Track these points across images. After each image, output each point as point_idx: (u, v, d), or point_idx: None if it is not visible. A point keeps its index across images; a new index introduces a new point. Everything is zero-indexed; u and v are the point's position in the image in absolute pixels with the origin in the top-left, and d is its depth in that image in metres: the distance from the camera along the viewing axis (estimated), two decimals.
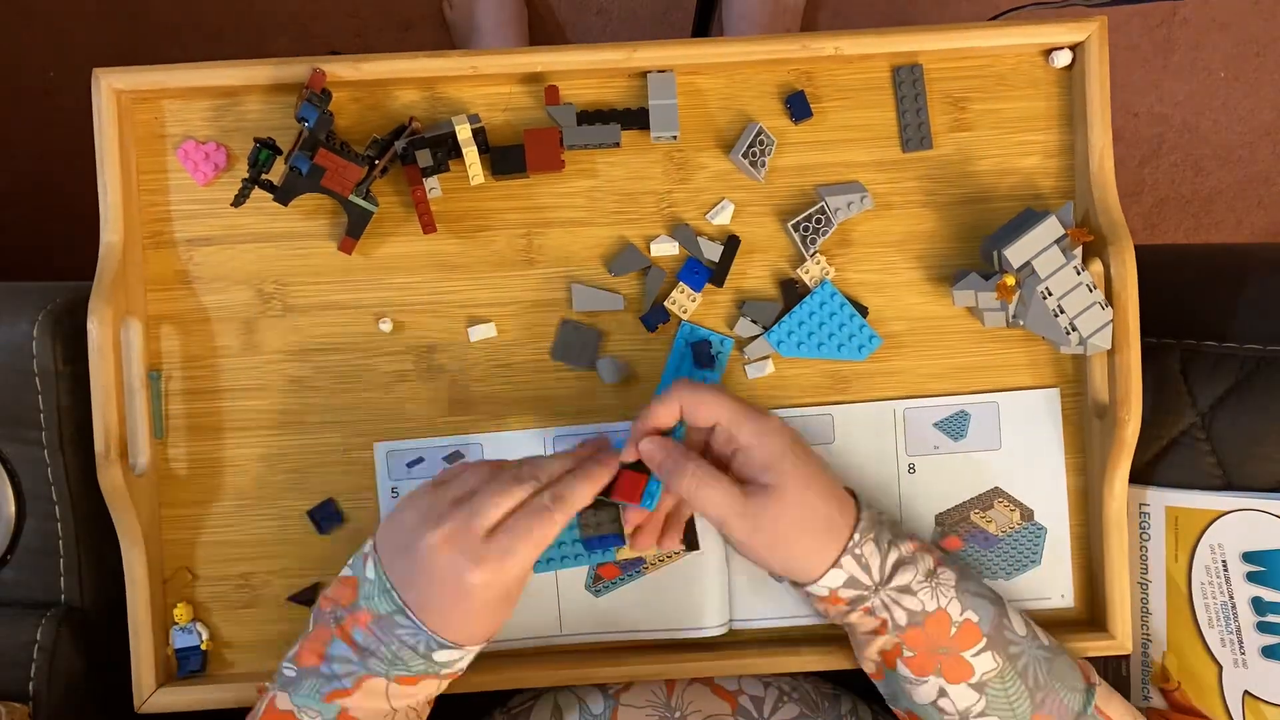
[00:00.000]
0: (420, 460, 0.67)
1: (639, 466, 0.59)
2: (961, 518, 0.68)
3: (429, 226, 0.65)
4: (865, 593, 0.57)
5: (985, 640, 0.57)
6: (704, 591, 0.66)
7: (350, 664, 0.55)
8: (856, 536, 0.56)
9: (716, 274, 0.66)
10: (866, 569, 0.56)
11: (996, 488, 0.68)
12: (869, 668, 0.61)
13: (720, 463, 0.59)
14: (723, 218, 0.66)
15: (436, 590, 0.54)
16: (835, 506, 0.57)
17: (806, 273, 0.66)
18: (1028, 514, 0.68)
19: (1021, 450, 0.67)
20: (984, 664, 0.57)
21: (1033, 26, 0.65)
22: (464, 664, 0.57)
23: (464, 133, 0.63)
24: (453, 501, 0.55)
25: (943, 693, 0.57)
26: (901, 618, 0.57)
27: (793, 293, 0.67)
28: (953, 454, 0.67)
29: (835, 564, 0.56)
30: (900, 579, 0.56)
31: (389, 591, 0.55)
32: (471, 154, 0.64)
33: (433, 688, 0.57)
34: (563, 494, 0.56)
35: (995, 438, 0.67)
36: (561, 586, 0.67)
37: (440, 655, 0.55)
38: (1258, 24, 1.34)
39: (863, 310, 0.67)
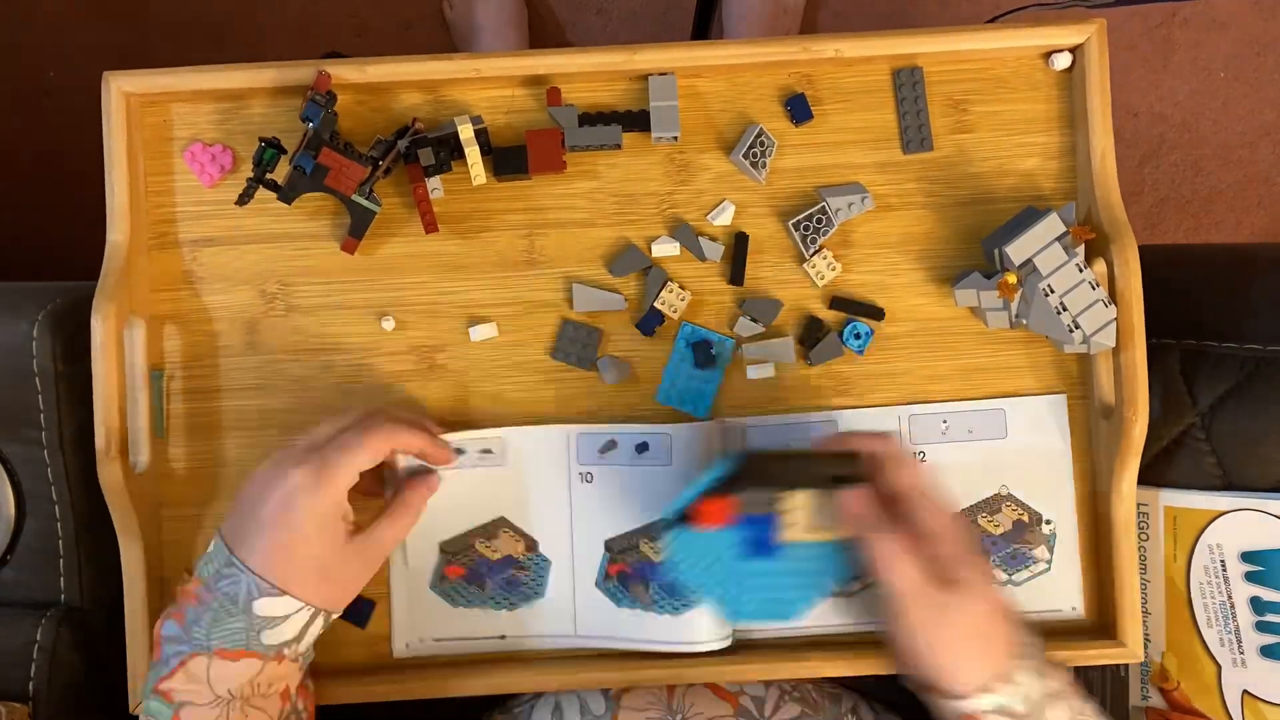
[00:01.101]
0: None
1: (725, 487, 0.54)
2: (969, 522, 0.68)
3: (431, 226, 0.65)
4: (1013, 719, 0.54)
5: None
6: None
7: (176, 643, 0.54)
8: (1014, 661, 0.53)
9: (734, 272, 0.66)
10: (1025, 699, 0.53)
11: (1003, 493, 0.67)
12: None
13: None
14: (723, 218, 0.66)
15: (256, 520, 0.55)
16: (1006, 625, 0.54)
17: (813, 268, 0.66)
18: (1036, 518, 0.67)
19: (1029, 455, 0.67)
20: None
21: (1032, 29, 0.65)
22: (291, 632, 0.55)
23: (466, 133, 0.63)
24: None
25: None
26: None
27: (817, 327, 0.67)
28: (959, 458, 0.67)
29: (987, 688, 0.53)
30: (1050, 713, 0.54)
31: (220, 548, 0.55)
32: (474, 154, 0.64)
33: (254, 669, 0.54)
34: (392, 423, 0.58)
35: (1002, 442, 0.67)
36: (577, 588, 0.67)
37: (260, 606, 0.53)
38: (1258, 24, 1.34)
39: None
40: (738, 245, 0.66)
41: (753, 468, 0.53)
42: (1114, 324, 0.62)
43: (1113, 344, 0.62)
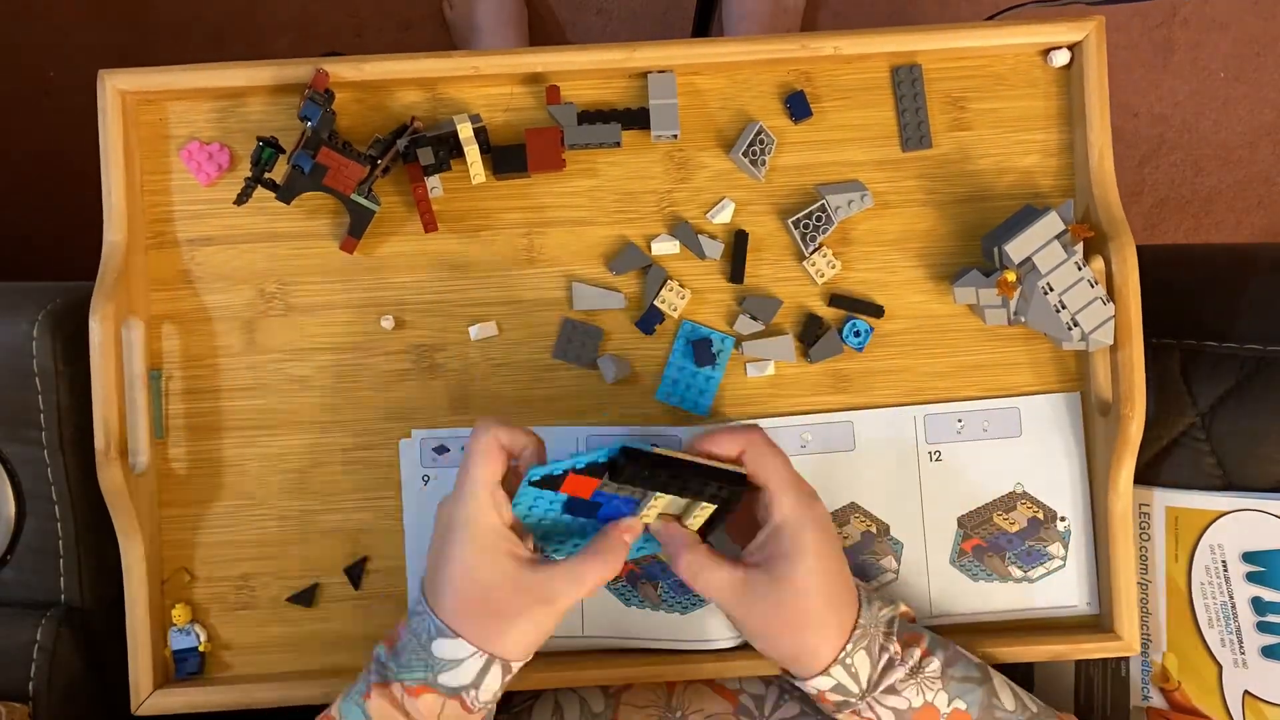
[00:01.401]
0: (445, 450, 0.67)
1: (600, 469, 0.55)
2: (984, 519, 0.68)
3: (430, 225, 0.65)
4: (852, 699, 0.56)
5: None
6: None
7: (380, 667, 0.55)
8: (849, 646, 0.55)
9: (733, 270, 0.66)
10: (855, 678, 0.55)
11: (1018, 490, 0.68)
12: None
13: (751, 524, 0.57)
14: (723, 216, 0.66)
15: (436, 552, 0.55)
16: (835, 615, 0.55)
17: (813, 266, 0.66)
18: (1051, 515, 0.68)
19: (1043, 452, 0.67)
20: None
21: (1031, 26, 0.65)
22: (468, 674, 0.53)
23: (465, 131, 0.63)
24: None
25: None
26: (888, 716, 0.56)
27: (816, 325, 0.67)
28: (974, 457, 0.67)
29: (824, 671, 0.55)
30: (885, 680, 0.56)
31: (420, 585, 0.56)
32: (473, 153, 0.64)
33: (437, 706, 0.53)
34: (490, 421, 0.55)
35: (1017, 440, 0.67)
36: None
37: (438, 647, 0.53)
38: (1258, 24, 1.34)
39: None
40: (737, 243, 0.66)
41: (627, 468, 0.53)
42: (1112, 321, 0.62)
43: (1111, 341, 0.62)
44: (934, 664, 0.57)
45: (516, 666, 0.55)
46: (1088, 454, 0.67)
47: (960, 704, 0.57)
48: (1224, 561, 0.66)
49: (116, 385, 0.62)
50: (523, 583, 0.53)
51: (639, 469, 0.53)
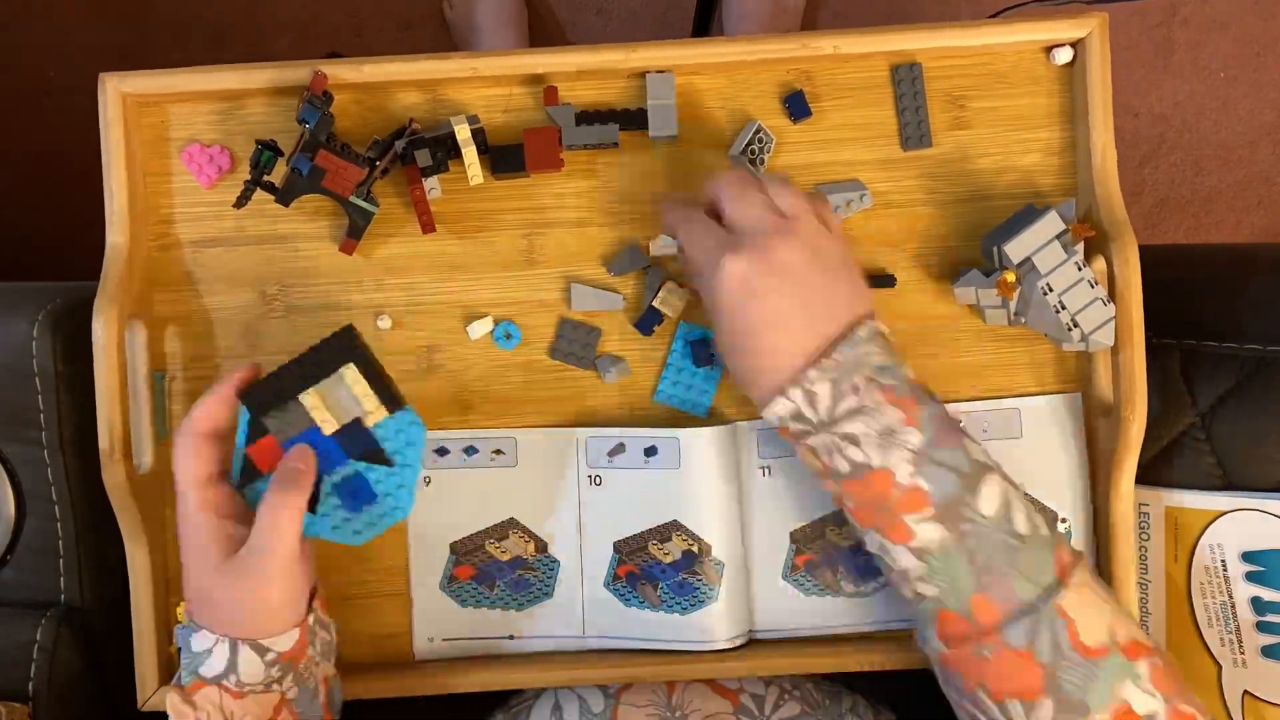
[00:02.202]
0: (445, 451, 0.67)
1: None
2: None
3: (428, 226, 0.65)
4: (809, 429, 0.55)
5: (932, 510, 0.53)
6: (728, 603, 0.65)
7: (183, 669, 0.57)
8: (813, 372, 0.54)
9: None
10: (814, 406, 0.54)
11: (1019, 488, 0.67)
12: (834, 499, 0.59)
13: None
14: None
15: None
16: (787, 339, 0.55)
17: None
18: (1051, 516, 0.67)
19: (1043, 453, 0.67)
20: (926, 532, 0.54)
21: (1032, 24, 0.65)
22: (220, 664, 0.54)
23: (463, 133, 0.63)
24: None
25: (884, 549, 0.56)
26: (843, 466, 0.55)
27: None
28: None
29: (781, 392, 0.54)
30: (847, 426, 0.54)
31: None
32: (470, 154, 0.64)
33: (215, 697, 0.54)
34: (185, 423, 0.56)
35: (1017, 441, 0.67)
36: (585, 589, 0.67)
37: (194, 643, 0.55)
38: (1258, 24, 1.34)
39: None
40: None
41: (255, 400, 0.56)
42: (1112, 322, 0.61)
43: (1111, 342, 0.62)
44: (914, 438, 0.54)
45: (270, 641, 0.54)
46: (1088, 455, 0.67)
47: (924, 484, 0.54)
48: (1223, 561, 0.66)
49: (120, 387, 0.62)
50: (226, 569, 0.53)
51: (259, 392, 0.56)
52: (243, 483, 0.57)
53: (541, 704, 0.66)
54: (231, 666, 0.54)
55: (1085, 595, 0.53)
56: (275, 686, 0.55)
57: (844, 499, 0.57)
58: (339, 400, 0.57)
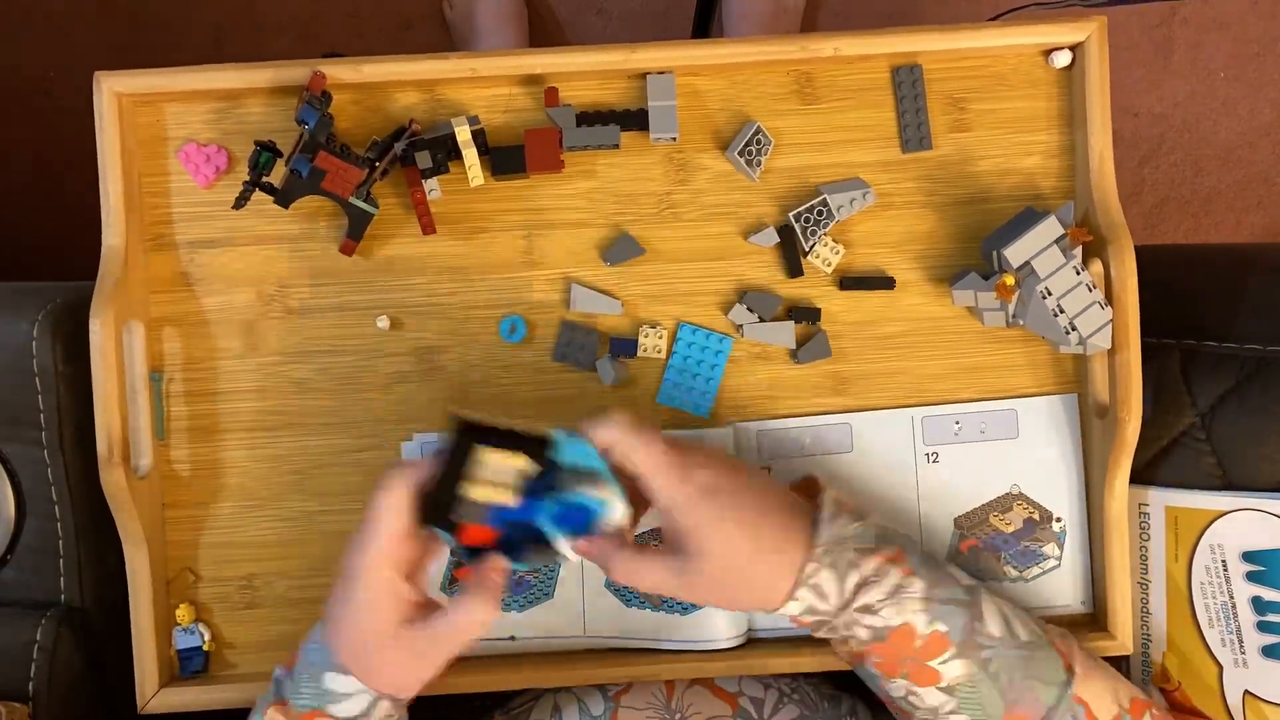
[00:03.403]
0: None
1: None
2: (980, 520, 0.68)
3: (428, 228, 0.65)
4: (826, 617, 0.56)
5: (955, 648, 0.56)
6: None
7: (278, 686, 0.56)
8: (810, 567, 0.55)
9: (789, 265, 0.66)
10: (823, 597, 0.55)
11: (1014, 491, 0.68)
12: (843, 659, 0.60)
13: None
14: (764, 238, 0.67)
15: (335, 594, 0.55)
16: (775, 546, 0.55)
17: (817, 256, 0.66)
18: (1046, 516, 0.68)
19: (1040, 453, 0.68)
20: (953, 670, 0.56)
21: (1032, 27, 0.65)
22: (355, 709, 0.54)
23: (463, 134, 0.63)
24: None
25: (912, 692, 0.57)
26: (865, 634, 0.56)
27: (806, 315, 0.67)
28: (971, 458, 0.68)
29: (790, 597, 0.55)
30: (862, 599, 0.55)
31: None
32: (471, 155, 0.64)
33: None
34: (392, 477, 0.54)
35: (1014, 442, 0.68)
36: (586, 589, 0.67)
37: (329, 681, 0.54)
38: (1258, 24, 1.34)
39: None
40: (785, 239, 0.66)
41: (432, 515, 0.54)
42: (1110, 326, 0.62)
43: (1108, 345, 0.62)
44: (916, 585, 0.56)
45: (406, 699, 0.56)
46: (1084, 456, 0.67)
47: (941, 626, 0.56)
48: (1224, 561, 0.66)
49: (118, 389, 0.62)
50: (404, 639, 0.54)
51: (430, 508, 0.53)
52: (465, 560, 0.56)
53: (541, 706, 0.66)
54: (366, 714, 0.55)
55: (1089, 673, 0.58)
56: None
57: (866, 660, 0.58)
58: (497, 478, 0.55)
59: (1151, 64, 1.34)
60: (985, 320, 0.66)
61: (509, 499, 0.55)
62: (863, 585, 0.55)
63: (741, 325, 0.67)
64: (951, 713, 0.57)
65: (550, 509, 0.55)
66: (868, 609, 0.55)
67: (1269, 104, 1.35)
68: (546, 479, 0.55)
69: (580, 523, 0.55)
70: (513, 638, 0.67)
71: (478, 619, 0.53)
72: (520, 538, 0.55)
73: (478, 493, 0.54)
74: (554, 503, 0.55)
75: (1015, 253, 0.61)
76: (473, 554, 0.55)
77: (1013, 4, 0.72)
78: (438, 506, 0.54)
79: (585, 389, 0.67)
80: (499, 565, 0.55)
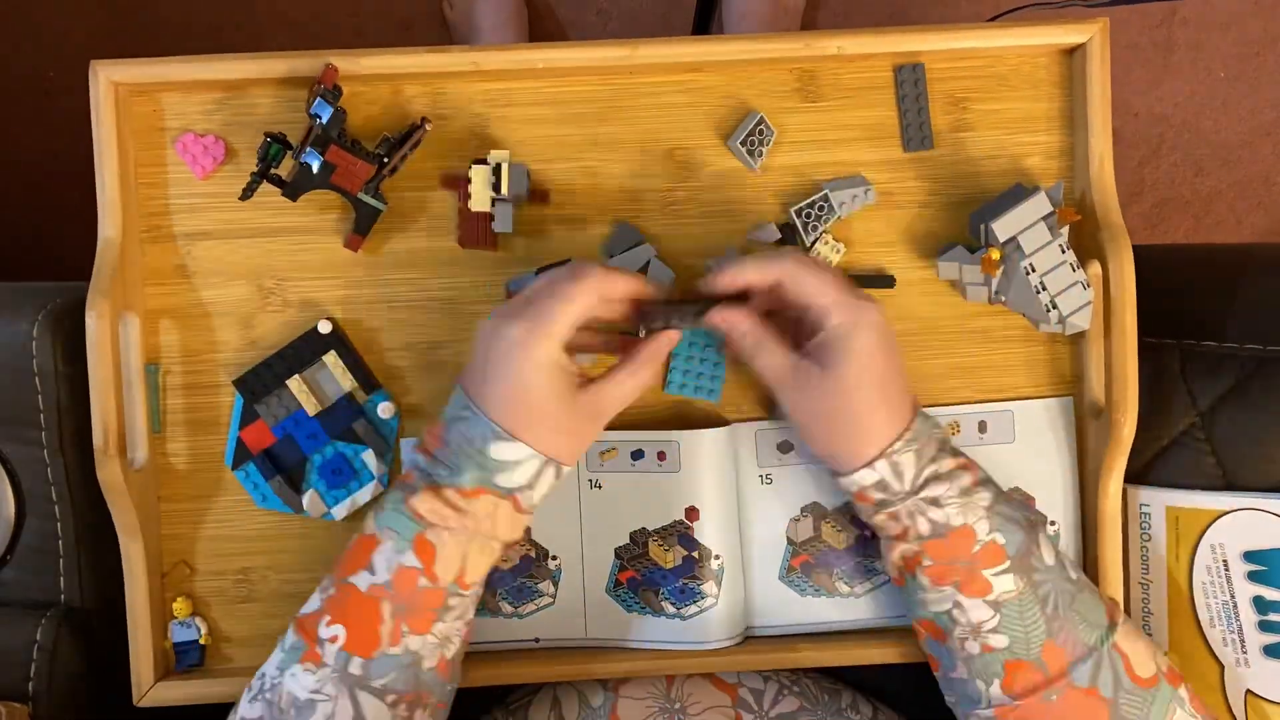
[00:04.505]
0: None
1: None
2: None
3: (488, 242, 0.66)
4: (893, 498, 0.57)
5: (1009, 563, 0.56)
6: (727, 605, 0.65)
7: (424, 474, 0.56)
8: (899, 444, 0.56)
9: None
10: (899, 475, 0.56)
11: (1012, 491, 0.68)
12: (891, 573, 0.61)
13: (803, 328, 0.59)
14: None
15: (487, 369, 0.55)
16: (886, 410, 0.57)
17: (818, 254, 0.66)
18: (1041, 520, 0.67)
19: (1035, 457, 0.67)
20: (1003, 584, 0.56)
21: (1034, 27, 0.65)
22: (525, 475, 0.56)
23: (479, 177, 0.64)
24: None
25: (957, 604, 0.57)
26: (925, 527, 0.57)
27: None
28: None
29: (869, 464, 0.56)
30: (931, 491, 0.56)
31: (460, 394, 0.57)
32: (481, 192, 0.64)
33: (492, 506, 0.55)
34: (593, 266, 0.57)
35: (1010, 445, 0.67)
36: (587, 595, 0.67)
37: (495, 449, 0.55)
38: (1258, 24, 1.34)
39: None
40: (785, 232, 0.66)
41: (247, 387, 0.64)
42: (1090, 306, 0.62)
43: (1087, 326, 0.62)
44: (984, 495, 0.57)
45: (566, 471, 0.58)
46: (1080, 457, 0.67)
47: (999, 537, 0.57)
48: (1225, 561, 0.66)
49: (114, 381, 0.62)
50: (577, 404, 0.56)
51: (251, 381, 0.65)
52: (235, 464, 0.63)
53: (541, 699, 0.66)
54: (533, 483, 0.56)
55: (1131, 630, 0.58)
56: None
57: (921, 557, 0.58)
58: (321, 384, 0.63)
59: (1151, 64, 1.34)
60: (968, 295, 0.65)
61: (311, 409, 0.65)
62: (936, 478, 0.57)
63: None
64: (992, 630, 0.57)
65: (329, 445, 0.65)
66: (935, 501, 0.56)
67: (1269, 104, 1.35)
68: (342, 419, 0.66)
69: (342, 474, 0.65)
70: (537, 640, 0.67)
71: (643, 381, 0.58)
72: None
73: (295, 386, 0.65)
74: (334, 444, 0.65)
75: (1003, 226, 0.61)
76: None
77: (1014, 4, 0.72)
78: (255, 384, 0.65)
79: None
80: (671, 336, 0.59)
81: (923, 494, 0.56)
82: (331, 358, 0.65)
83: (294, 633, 0.56)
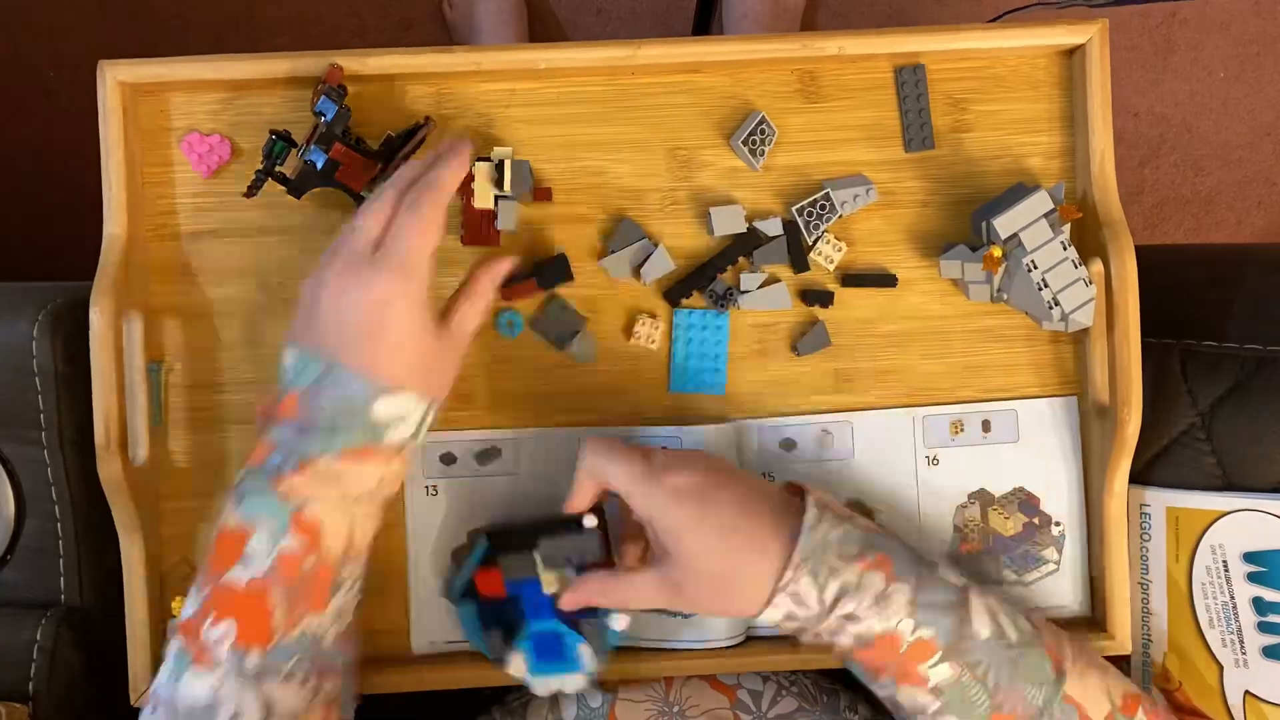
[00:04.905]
0: (454, 459, 0.67)
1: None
2: (980, 523, 0.68)
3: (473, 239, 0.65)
4: (808, 624, 0.56)
5: (940, 653, 0.55)
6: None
7: (291, 450, 0.54)
8: (788, 574, 0.54)
9: (794, 260, 0.66)
10: (803, 603, 0.55)
11: (1014, 494, 0.68)
12: (834, 658, 0.60)
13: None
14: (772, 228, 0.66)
15: (352, 327, 0.54)
16: (753, 553, 0.55)
17: (820, 253, 0.66)
18: (1045, 520, 0.68)
19: (1040, 456, 0.68)
20: (940, 673, 0.55)
21: (1034, 28, 0.65)
22: (411, 424, 0.55)
23: (482, 175, 0.63)
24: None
25: (897, 691, 0.57)
26: (847, 641, 0.56)
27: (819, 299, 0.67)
28: (971, 460, 0.68)
29: (769, 604, 0.55)
30: (843, 608, 0.54)
31: (309, 358, 0.54)
32: (484, 188, 0.64)
33: (380, 468, 0.55)
34: (429, 180, 0.56)
35: (1014, 444, 0.68)
36: None
37: (380, 406, 0.54)
38: (1258, 24, 1.34)
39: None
40: (790, 233, 0.66)
41: (498, 538, 0.61)
42: (1092, 303, 0.62)
43: (1090, 323, 0.62)
44: (902, 589, 0.55)
45: (442, 401, 0.58)
46: (1084, 457, 0.68)
47: (926, 632, 0.55)
48: (1225, 561, 0.66)
49: (116, 379, 0.62)
50: (445, 341, 0.57)
51: (505, 533, 0.61)
52: (460, 598, 0.62)
53: (539, 700, 0.66)
54: (417, 432, 0.56)
55: (1082, 672, 0.57)
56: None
57: (851, 665, 0.58)
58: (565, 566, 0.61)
59: (1151, 64, 1.35)
60: (971, 294, 0.65)
61: (548, 588, 0.61)
62: (845, 593, 0.54)
63: (738, 298, 0.66)
64: (938, 713, 0.56)
65: (552, 624, 0.62)
66: (851, 617, 0.55)
67: (1269, 104, 1.36)
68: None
69: (551, 653, 0.62)
70: None
71: (488, 305, 0.60)
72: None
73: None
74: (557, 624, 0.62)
75: (1005, 223, 0.61)
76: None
77: (1014, 4, 0.73)
78: (507, 538, 0.61)
79: (584, 383, 0.67)
80: (504, 261, 0.60)
81: (836, 612, 0.55)
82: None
83: (178, 639, 0.54)
